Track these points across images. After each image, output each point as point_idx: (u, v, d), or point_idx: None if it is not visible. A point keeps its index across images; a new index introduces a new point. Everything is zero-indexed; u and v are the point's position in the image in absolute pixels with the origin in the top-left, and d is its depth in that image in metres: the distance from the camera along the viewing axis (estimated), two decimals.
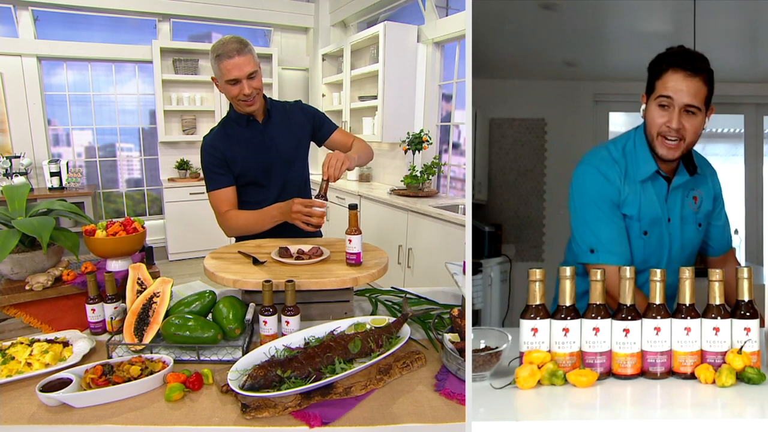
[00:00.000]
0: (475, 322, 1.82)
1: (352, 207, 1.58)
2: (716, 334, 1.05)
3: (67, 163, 5.32)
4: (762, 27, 2.36)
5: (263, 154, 2.01)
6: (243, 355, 1.24)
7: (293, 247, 1.72)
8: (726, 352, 1.04)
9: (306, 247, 1.72)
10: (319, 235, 2.11)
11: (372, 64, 5.04)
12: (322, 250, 1.69)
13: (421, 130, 4.65)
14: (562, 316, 1.06)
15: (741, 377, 1.01)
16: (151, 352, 1.29)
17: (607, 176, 1.32)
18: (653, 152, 1.31)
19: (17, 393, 1.14)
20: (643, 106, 1.32)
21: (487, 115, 3.68)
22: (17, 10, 5.16)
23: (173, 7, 5.68)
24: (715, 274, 1.06)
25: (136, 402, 1.11)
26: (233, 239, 2.09)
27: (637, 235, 1.33)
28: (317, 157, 5.80)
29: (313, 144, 2.20)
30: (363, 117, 5.35)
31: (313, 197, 1.83)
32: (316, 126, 2.16)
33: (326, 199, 1.79)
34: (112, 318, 1.41)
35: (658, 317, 1.06)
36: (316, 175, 2.87)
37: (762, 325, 1.07)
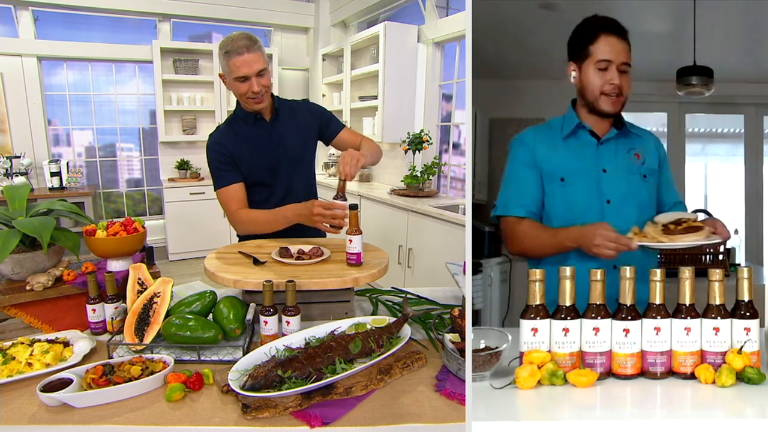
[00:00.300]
0: (475, 322, 1.82)
1: (353, 207, 1.59)
2: (716, 334, 1.05)
3: (68, 163, 5.32)
4: (762, 27, 2.36)
5: (270, 153, 1.99)
6: (243, 355, 1.24)
7: (293, 248, 1.72)
8: (726, 352, 1.04)
9: (306, 248, 1.72)
10: (321, 235, 2.11)
11: (372, 64, 5.05)
12: (323, 250, 1.69)
13: (422, 130, 4.65)
14: (562, 316, 1.06)
15: (741, 377, 1.01)
16: (152, 352, 1.29)
17: (524, 141, 1.48)
18: (590, 111, 1.44)
19: (18, 393, 1.15)
20: (573, 74, 1.45)
21: (487, 115, 3.68)
22: (17, 10, 5.16)
23: (173, 7, 5.69)
24: (715, 274, 1.06)
25: (137, 402, 1.11)
26: (236, 239, 2.09)
27: (557, 186, 1.44)
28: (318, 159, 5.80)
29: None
30: (363, 117, 5.35)
31: (331, 198, 1.82)
32: (323, 125, 2.14)
33: (345, 199, 1.77)
34: (112, 318, 1.41)
35: (658, 317, 1.06)
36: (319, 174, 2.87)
37: (762, 325, 1.07)
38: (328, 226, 1.77)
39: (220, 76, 1.96)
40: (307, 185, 2.14)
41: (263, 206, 1.96)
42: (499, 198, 1.48)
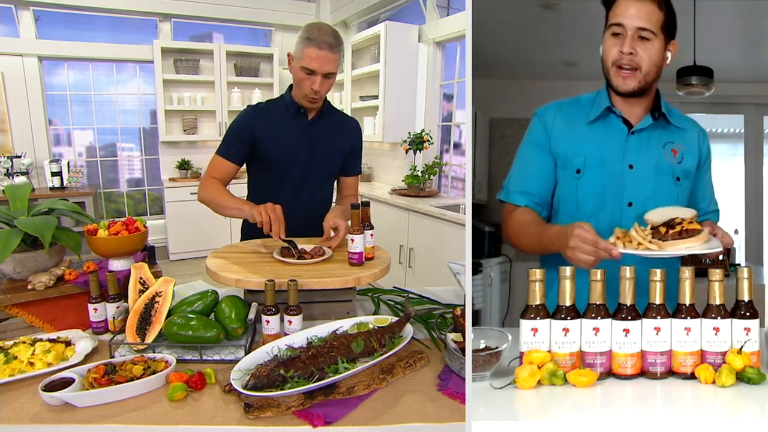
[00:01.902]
0: (475, 322, 1.82)
1: (355, 207, 1.58)
2: (716, 334, 1.05)
3: (68, 163, 5.33)
4: (762, 27, 2.36)
5: (296, 149, 1.94)
6: (246, 354, 1.24)
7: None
8: (726, 352, 1.04)
9: (308, 247, 1.72)
10: (321, 235, 2.12)
11: (373, 64, 5.05)
12: (324, 250, 1.70)
13: (422, 130, 4.66)
14: (562, 316, 1.06)
15: (741, 377, 1.02)
16: (154, 352, 1.29)
17: (543, 117, 1.30)
18: (612, 89, 1.25)
19: (20, 392, 1.15)
20: (601, 48, 1.25)
21: (487, 115, 3.68)
22: (18, 9, 5.16)
23: (174, 7, 5.69)
24: (715, 274, 1.06)
25: (139, 401, 1.11)
26: (237, 239, 2.09)
27: (570, 177, 1.27)
28: None
29: None
30: (364, 117, 5.36)
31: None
32: (351, 157, 2.10)
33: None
34: (114, 317, 1.42)
35: (658, 317, 1.06)
36: None
37: (762, 325, 1.07)
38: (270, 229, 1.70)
39: (288, 55, 1.88)
40: (318, 202, 2.06)
41: (267, 200, 1.95)
42: (507, 180, 1.34)
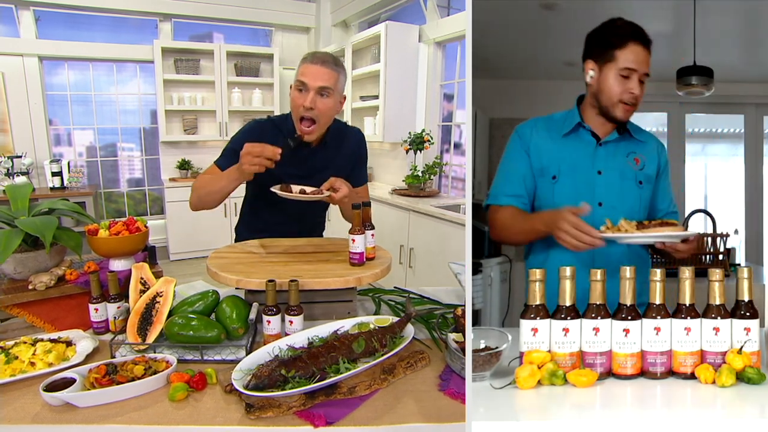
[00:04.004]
0: (475, 322, 1.82)
1: (356, 207, 1.57)
2: (716, 334, 1.05)
3: (69, 163, 5.33)
4: (762, 27, 2.37)
5: (295, 177, 1.81)
6: (246, 354, 1.25)
7: (295, 187, 1.73)
8: (726, 352, 1.05)
9: (308, 189, 1.74)
10: (321, 233, 2.12)
11: (373, 64, 5.05)
12: (323, 191, 1.70)
13: (423, 130, 4.66)
14: (562, 316, 1.07)
15: (741, 377, 1.02)
16: (155, 352, 1.29)
17: (521, 134, 1.47)
18: (605, 116, 1.42)
19: (21, 392, 1.15)
20: (591, 73, 1.41)
21: (487, 115, 3.68)
22: (19, 9, 5.17)
23: (174, 7, 5.69)
24: (715, 274, 1.06)
25: (140, 402, 1.11)
26: (233, 240, 2.09)
27: (548, 183, 1.44)
28: None
29: None
30: (364, 117, 5.36)
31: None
32: (355, 170, 2.02)
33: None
34: (115, 317, 1.42)
35: (658, 317, 1.06)
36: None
37: (762, 325, 1.07)
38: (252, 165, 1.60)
39: (290, 87, 1.82)
40: (319, 210, 2.04)
41: (264, 211, 1.96)
42: (491, 188, 1.50)
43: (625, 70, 1.36)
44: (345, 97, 1.87)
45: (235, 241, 2.06)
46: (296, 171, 1.85)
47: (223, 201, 1.83)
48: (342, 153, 1.97)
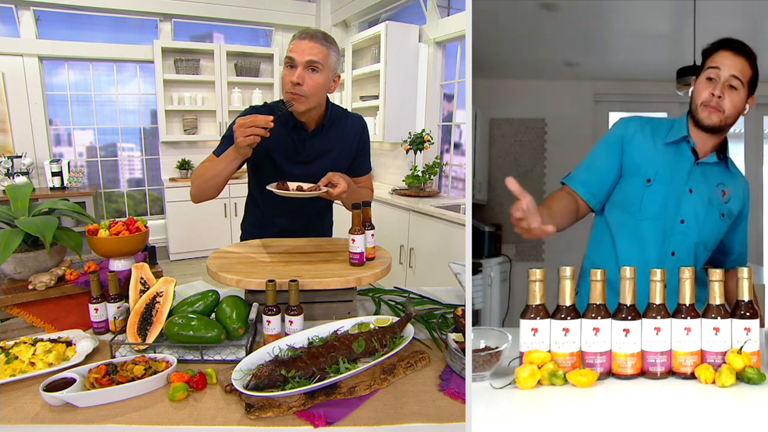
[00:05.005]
0: (475, 322, 1.82)
1: (356, 207, 1.58)
2: (716, 334, 1.05)
3: (69, 163, 5.33)
4: (762, 27, 2.36)
5: (294, 165, 1.83)
6: (246, 354, 1.25)
7: (292, 184, 1.72)
8: (726, 352, 1.05)
9: (305, 185, 1.72)
10: (322, 234, 2.12)
11: (373, 64, 5.05)
12: (320, 187, 1.68)
13: (423, 130, 4.66)
14: (562, 316, 1.07)
15: (741, 377, 1.02)
16: (155, 352, 1.29)
17: (627, 126, 1.46)
18: (694, 124, 1.41)
19: (21, 392, 1.15)
20: (692, 88, 1.43)
21: (487, 115, 3.69)
22: (19, 9, 5.17)
23: (175, 7, 5.69)
24: (715, 274, 1.06)
25: (140, 402, 1.11)
26: (237, 239, 2.09)
27: (639, 184, 1.43)
28: None
29: None
30: (364, 117, 5.35)
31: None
32: (358, 158, 1.98)
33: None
34: (115, 318, 1.42)
35: (658, 317, 1.06)
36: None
37: (762, 325, 1.07)
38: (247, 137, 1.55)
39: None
40: (320, 209, 2.01)
41: (266, 201, 1.95)
42: (576, 167, 1.50)
43: (710, 70, 1.36)
44: (339, 77, 1.81)
45: (241, 237, 2.07)
46: (296, 156, 1.82)
47: (222, 187, 1.76)
48: (343, 139, 1.92)
